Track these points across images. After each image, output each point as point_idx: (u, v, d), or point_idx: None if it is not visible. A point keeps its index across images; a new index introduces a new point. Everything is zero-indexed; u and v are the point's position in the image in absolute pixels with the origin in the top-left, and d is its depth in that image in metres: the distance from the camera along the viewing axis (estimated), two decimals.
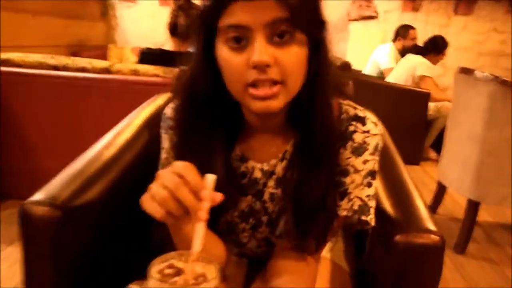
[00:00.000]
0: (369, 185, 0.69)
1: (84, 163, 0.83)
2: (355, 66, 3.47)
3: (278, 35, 0.59)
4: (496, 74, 1.93)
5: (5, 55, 2.04)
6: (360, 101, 0.76)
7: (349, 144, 0.68)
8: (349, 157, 0.68)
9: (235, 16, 0.58)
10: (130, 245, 0.89)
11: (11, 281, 1.53)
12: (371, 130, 0.69)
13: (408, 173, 0.92)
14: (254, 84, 0.60)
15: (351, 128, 0.68)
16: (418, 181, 2.89)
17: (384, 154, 0.85)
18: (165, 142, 0.76)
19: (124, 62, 3.53)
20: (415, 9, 4.53)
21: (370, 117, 0.70)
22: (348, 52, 4.40)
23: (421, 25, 4.34)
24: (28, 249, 0.70)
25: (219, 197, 0.52)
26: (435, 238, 0.68)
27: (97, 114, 2.00)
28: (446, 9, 4.49)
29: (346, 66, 2.40)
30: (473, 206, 2.01)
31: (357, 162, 0.68)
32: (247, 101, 0.62)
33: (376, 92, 3.29)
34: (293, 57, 0.60)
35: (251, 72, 0.59)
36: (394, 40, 4.01)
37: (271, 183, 0.73)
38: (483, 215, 2.32)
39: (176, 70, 1.17)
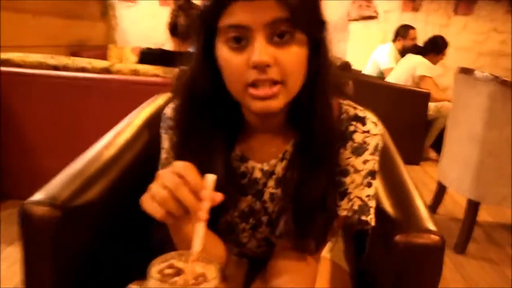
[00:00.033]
0: (369, 185, 0.69)
1: (84, 163, 0.83)
2: (355, 66, 3.47)
3: (278, 35, 0.59)
4: (496, 74, 1.93)
5: (5, 55, 2.04)
6: (360, 101, 0.76)
7: (349, 144, 0.68)
8: (349, 157, 0.68)
9: (235, 16, 0.58)
10: (130, 245, 0.89)
11: (11, 281, 1.53)
12: (371, 130, 0.69)
13: (408, 173, 0.92)
14: (254, 84, 0.60)
15: (351, 128, 0.68)
16: (418, 181, 2.89)
17: (384, 154, 0.85)
18: (165, 142, 0.76)
19: (124, 62, 3.54)
20: (415, 9, 4.53)
21: (370, 117, 0.70)
22: (348, 52, 4.40)
23: (421, 25, 4.34)
24: (28, 249, 0.70)
25: (219, 197, 0.52)
26: (435, 238, 0.68)
27: (97, 114, 2.00)
28: (446, 9, 4.49)
29: (346, 66, 2.40)
30: (473, 206, 2.01)
31: (357, 162, 0.68)
32: (247, 101, 0.62)
33: (376, 92, 3.29)
34: (293, 57, 0.60)
35: (251, 72, 0.59)
36: (394, 40, 4.01)
37: (271, 183, 0.73)
38: (483, 215, 2.33)
39: (176, 70, 1.17)
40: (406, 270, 0.70)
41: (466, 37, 4.52)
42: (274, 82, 0.60)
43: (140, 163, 0.93)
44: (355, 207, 0.69)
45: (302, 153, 0.67)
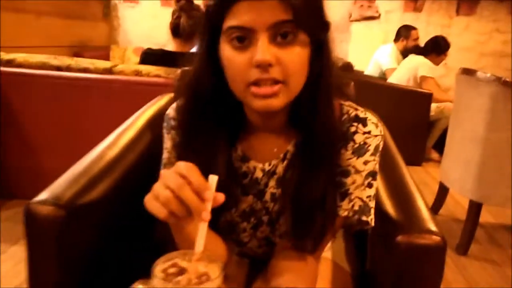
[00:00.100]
0: (370, 185, 0.70)
1: (88, 163, 0.83)
2: (357, 66, 3.47)
3: (281, 35, 0.59)
4: (498, 74, 1.93)
5: (8, 56, 2.05)
6: (362, 102, 0.76)
7: (350, 145, 0.69)
8: (350, 158, 0.69)
9: (238, 17, 0.59)
10: (134, 244, 0.89)
11: (15, 280, 1.54)
12: (372, 131, 0.69)
13: (409, 174, 0.92)
14: (256, 83, 0.60)
15: (352, 129, 0.69)
16: (420, 182, 2.89)
17: (385, 155, 0.85)
18: (167, 142, 0.76)
19: (126, 63, 3.55)
20: (417, 9, 4.52)
21: (371, 118, 0.70)
22: (350, 53, 4.40)
23: (423, 25, 4.33)
24: (33, 248, 0.70)
25: (221, 197, 0.53)
26: (436, 238, 0.68)
27: (99, 114, 2.00)
28: (448, 10, 4.48)
29: (348, 66, 2.41)
30: (475, 207, 2.00)
31: (358, 162, 0.69)
32: (248, 100, 0.63)
33: (378, 93, 3.29)
34: (296, 57, 0.61)
35: (254, 71, 0.60)
36: (396, 41, 4.00)
37: (272, 183, 0.73)
38: (485, 216, 2.32)
39: (178, 71, 1.18)
40: (407, 271, 0.70)
41: (468, 38, 4.51)
42: (276, 82, 0.60)
43: (143, 163, 0.94)
44: (356, 207, 0.69)
45: (303, 153, 0.68)
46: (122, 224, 0.87)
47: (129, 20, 4.58)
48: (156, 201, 0.52)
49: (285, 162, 0.72)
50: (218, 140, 0.69)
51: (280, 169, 0.72)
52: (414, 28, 4.00)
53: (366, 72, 4.04)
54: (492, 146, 1.93)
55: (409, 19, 4.40)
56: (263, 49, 0.58)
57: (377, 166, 0.71)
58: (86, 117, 2.04)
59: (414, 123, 3.30)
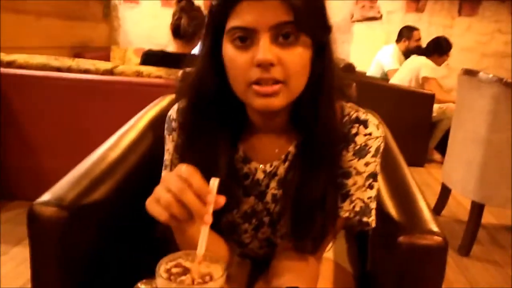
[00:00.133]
0: (371, 187, 0.70)
1: (90, 165, 0.84)
2: (359, 67, 3.48)
3: (283, 36, 0.60)
4: (500, 75, 1.93)
5: (9, 57, 2.06)
6: (364, 103, 0.76)
7: (351, 146, 0.69)
8: (351, 159, 0.69)
9: (241, 17, 0.59)
10: (135, 245, 0.90)
11: (17, 281, 1.54)
12: (373, 133, 0.69)
13: (412, 175, 0.92)
14: (258, 83, 0.61)
15: (353, 131, 0.69)
16: (423, 183, 2.89)
17: (387, 156, 0.85)
18: (169, 144, 0.76)
19: (126, 64, 3.56)
20: (419, 10, 4.52)
21: (372, 119, 0.70)
22: (351, 53, 4.40)
23: (425, 26, 4.33)
24: (36, 249, 0.71)
25: (222, 200, 0.53)
26: (438, 239, 0.68)
27: (99, 115, 2.01)
28: (450, 10, 4.48)
29: (349, 67, 2.41)
30: (477, 208, 2.00)
31: (359, 164, 0.69)
32: (249, 99, 0.63)
33: (380, 94, 3.29)
34: (297, 58, 0.61)
35: (255, 70, 0.60)
36: (398, 41, 4.01)
37: (273, 184, 0.73)
38: (488, 217, 2.31)
39: (179, 72, 1.18)
40: (409, 271, 0.70)
41: (470, 38, 4.50)
42: (277, 82, 0.61)
43: (145, 164, 0.94)
44: (357, 208, 0.69)
45: (304, 154, 0.68)
46: (124, 224, 0.87)
47: (130, 21, 4.59)
48: (157, 204, 0.52)
49: (287, 164, 0.72)
50: (220, 140, 0.69)
51: (281, 170, 0.72)
52: (416, 29, 4.00)
53: (368, 73, 4.04)
54: (494, 147, 1.92)
55: (411, 19, 4.40)
56: (264, 48, 0.58)
57: (378, 168, 0.71)
58: (86, 118, 2.05)
59: (416, 124, 3.29)
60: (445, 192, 2.38)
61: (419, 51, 3.63)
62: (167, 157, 0.77)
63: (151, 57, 2.10)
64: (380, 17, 4.56)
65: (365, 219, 0.70)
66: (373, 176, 0.70)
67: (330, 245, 0.76)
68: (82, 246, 0.75)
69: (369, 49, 4.31)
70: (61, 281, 0.72)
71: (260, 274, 0.77)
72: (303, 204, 0.66)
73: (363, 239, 0.90)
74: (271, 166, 0.73)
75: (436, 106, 3.31)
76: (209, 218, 0.51)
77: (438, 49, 3.53)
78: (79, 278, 0.75)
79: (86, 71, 2.03)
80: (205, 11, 2.16)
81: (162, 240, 0.64)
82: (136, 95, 1.88)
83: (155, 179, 0.55)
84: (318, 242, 0.68)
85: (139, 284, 0.55)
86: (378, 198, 0.76)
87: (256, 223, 0.76)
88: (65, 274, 0.72)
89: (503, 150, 1.91)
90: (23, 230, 0.71)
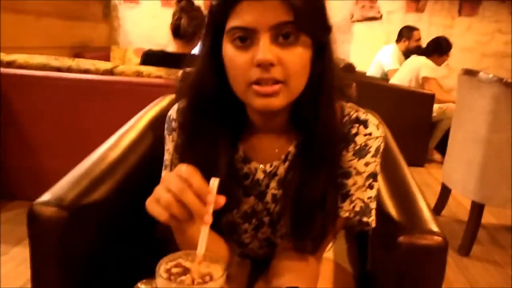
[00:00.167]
0: (371, 187, 0.70)
1: (90, 165, 0.84)
2: (359, 67, 3.48)
3: (283, 36, 0.60)
4: (500, 75, 1.93)
5: (9, 57, 2.06)
6: (364, 103, 0.76)
7: (351, 146, 0.69)
8: (351, 160, 0.69)
9: (241, 17, 0.59)
10: (135, 245, 0.90)
11: (17, 281, 1.54)
12: (373, 133, 0.69)
13: (412, 175, 0.92)
14: (257, 83, 0.61)
15: (353, 131, 0.69)
16: (423, 183, 2.89)
17: (387, 156, 0.85)
18: (169, 144, 0.76)
19: (126, 64, 3.56)
20: (419, 10, 4.52)
21: (372, 119, 0.70)
22: (351, 53, 4.41)
23: (425, 26, 4.33)
24: (36, 249, 0.71)
25: (222, 200, 0.53)
26: (438, 239, 0.68)
27: (99, 115, 2.01)
28: (450, 10, 4.48)
29: (349, 67, 2.41)
30: (477, 208, 2.00)
31: (359, 164, 0.69)
32: (249, 99, 0.63)
33: (380, 94, 3.29)
34: (297, 58, 0.61)
35: (255, 70, 0.60)
36: (398, 41, 4.01)
37: (273, 184, 0.73)
38: (488, 217, 2.32)
39: (179, 72, 1.18)
40: (409, 271, 0.70)
41: (470, 38, 4.50)
42: (276, 82, 0.61)
43: (145, 164, 0.94)
44: (357, 208, 0.70)
45: (304, 154, 0.68)
46: (124, 224, 0.87)
47: (130, 21, 4.59)
48: (157, 204, 0.52)
49: (287, 164, 0.72)
50: (220, 140, 0.69)
51: (281, 170, 0.72)
52: (416, 29, 4.00)
53: (368, 73, 4.04)
54: (494, 147, 1.92)
55: (411, 19, 4.40)
56: (264, 48, 0.58)
57: (378, 168, 0.71)
58: (86, 118, 2.05)
59: (416, 123, 3.29)
60: (445, 192, 2.38)
61: (419, 51, 3.63)
62: (167, 157, 0.77)
63: (151, 57, 2.10)
64: (380, 17, 4.56)
65: (365, 219, 0.70)
66: (373, 176, 0.70)
67: (330, 245, 0.77)
68: (82, 246, 0.75)
69: (369, 49, 4.31)
70: (61, 281, 0.72)
71: (260, 274, 0.77)
72: (303, 204, 0.66)
73: (363, 239, 0.90)
74: (271, 166, 0.73)
75: (436, 106, 3.31)
76: (209, 218, 0.51)
77: (438, 49, 3.53)
78: (79, 278, 0.75)
79: (86, 71, 2.03)
80: (205, 11, 2.16)
81: (162, 240, 0.64)
82: (136, 95, 1.88)
83: (155, 179, 0.55)
84: (318, 242, 0.68)
85: (139, 284, 0.55)
86: (378, 198, 0.76)
87: (256, 223, 0.76)
88: (65, 274, 0.72)
89: (503, 150, 1.91)
90: (23, 230, 0.71)
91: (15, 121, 2.08)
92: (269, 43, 0.59)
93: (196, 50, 2.11)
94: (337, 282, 0.78)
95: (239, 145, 0.74)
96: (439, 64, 3.56)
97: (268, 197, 0.74)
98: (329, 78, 0.66)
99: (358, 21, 4.55)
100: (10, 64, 2.04)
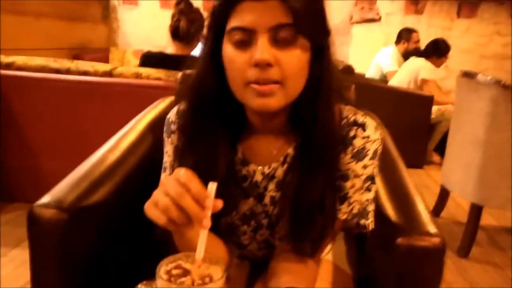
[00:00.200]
0: (369, 189, 0.70)
1: (89, 167, 0.84)
2: (358, 68, 3.47)
3: (282, 37, 0.60)
4: (500, 77, 1.93)
5: (8, 58, 2.06)
6: (362, 105, 0.76)
7: (350, 149, 0.69)
8: (349, 162, 0.69)
9: (241, 17, 0.60)
10: (134, 247, 0.90)
11: (17, 283, 1.54)
12: (371, 136, 0.69)
13: (410, 177, 0.92)
14: (255, 82, 0.61)
15: (352, 133, 0.69)
16: (422, 185, 2.89)
17: (386, 158, 0.85)
18: (168, 146, 0.76)
19: (125, 65, 3.56)
20: (418, 11, 4.53)
21: (371, 122, 0.70)
22: (350, 55, 4.41)
23: (424, 27, 4.34)
24: (36, 251, 0.71)
25: (219, 204, 0.53)
26: (436, 240, 0.69)
27: (99, 117, 2.01)
28: (449, 12, 4.49)
29: (348, 70, 2.41)
30: (476, 210, 2.00)
31: (357, 167, 0.69)
32: (246, 99, 0.64)
33: (379, 96, 3.29)
34: (295, 59, 0.61)
35: (253, 70, 0.60)
36: (397, 43, 4.01)
37: (271, 186, 0.73)
38: (487, 219, 2.32)
39: (178, 74, 1.19)
40: (407, 273, 0.71)
41: (469, 40, 4.51)
42: (274, 82, 0.61)
43: (144, 166, 0.94)
44: (355, 211, 0.70)
45: (302, 156, 0.68)
46: (123, 227, 0.87)
47: (129, 22, 4.59)
48: (156, 208, 0.52)
49: (285, 166, 0.72)
50: (220, 141, 0.69)
51: (279, 172, 0.73)
52: (415, 31, 4.01)
53: (367, 75, 4.05)
54: (492, 148, 1.93)
55: (410, 21, 4.41)
56: (262, 49, 0.59)
57: (376, 170, 0.71)
58: (85, 120, 2.05)
59: (415, 125, 3.30)
60: (444, 193, 2.38)
61: (418, 53, 3.64)
62: (166, 159, 0.77)
63: (150, 59, 2.10)
64: (379, 19, 4.57)
65: (363, 221, 0.70)
66: (371, 178, 0.70)
67: (329, 247, 0.77)
68: (81, 248, 0.75)
69: (368, 51, 4.32)
70: (61, 282, 0.72)
71: (258, 276, 0.77)
72: (302, 206, 0.66)
73: (362, 241, 0.90)
74: (269, 168, 0.73)
75: (435, 108, 3.31)
76: (207, 222, 0.51)
77: (437, 51, 3.54)
78: (78, 280, 0.75)
79: (85, 73, 2.03)
80: (204, 11, 2.17)
81: (161, 242, 0.64)
82: (135, 97, 1.88)
83: (155, 181, 0.55)
84: (316, 244, 0.69)
85: (139, 285, 0.55)
86: (377, 200, 0.77)
87: (254, 225, 0.76)
88: (65, 276, 0.72)
89: (502, 151, 1.91)
90: (22, 232, 0.72)
91: (15, 122, 2.08)
92: (267, 43, 0.59)
93: (195, 52, 2.11)
94: (336, 284, 0.78)
95: (238, 147, 0.74)
96: (438, 66, 3.57)
97: (267, 199, 0.74)
98: (327, 81, 0.66)
99: (357, 22, 4.56)
100: (9, 66, 2.04)
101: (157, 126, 0.91)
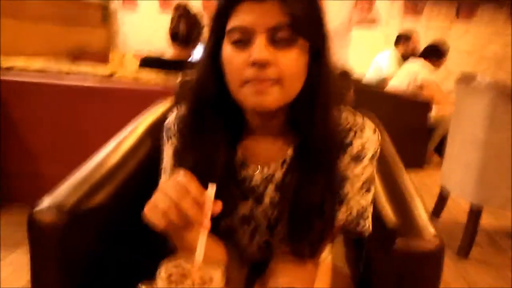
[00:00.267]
0: (367, 192, 0.70)
1: (89, 170, 0.84)
2: (357, 70, 3.48)
3: (280, 38, 0.61)
4: (499, 77, 1.95)
5: (8, 62, 2.06)
6: (361, 106, 0.77)
7: (348, 151, 0.69)
8: (348, 164, 0.69)
9: (240, 17, 0.61)
10: (134, 249, 0.90)
11: (16, 284, 1.54)
12: (370, 138, 0.70)
13: (410, 178, 0.92)
14: (253, 82, 0.61)
15: (350, 135, 0.69)
16: (422, 185, 2.89)
17: (384, 159, 0.86)
18: (167, 149, 0.77)
19: (125, 68, 3.56)
20: (417, 13, 4.54)
21: (369, 124, 0.71)
22: (350, 57, 4.42)
23: (422, 29, 4.35)
24: (36, 254, 0.71)
25: (218, 206, 0.53)
26: (434, 242, 0.69)
27: (98, 121, 2.01)
28: (448, 13, 4.50)
29: (345, 75, 2.42)
30: (475, 210, 2.01)
31: (355, 169, 0.69)
32: (243, 98, 0.64)
33: (376, 101, 3.29)
34: (292, 60, 0.62)
35: (251, 69, 0.61)
36: (396, 45, 4.02)
37: (271, 187, 0.74)
38: (487, 219, 2.32)
39: (178, 78, 1.19)
40: (406, 274, 0.71)
41: (468, 41, 4.52)
42: (271, 82, 0.61)
43: (144, 169, 0.95)
44: (353, 213, 0.70)
45: (301, 158, 0.68)
46: (122, 229, 0.88)
47: (128, 25, 4.60)
48: (155, 211, 0.52)
49: (284, 167, 0.72)
50: (219, 143, 0.70)
51: (279, 174, 0.73)
52: (414, 32, 4.01)
53: (367, 76, 4.05)
54: (492, 148, 1.93)
55: (409, 22, 4.41)
56: (260, 48, 0.59)
57: (374, 172, 0.71)
58: (85, 123, 2.05)
59: (415, 126, 3.31)
60: (444, 194, 2.38)
61: (417, 54, 3.64)
62: (165, 162, 0.78)
63: (149, 63, 2.11)
64: (378, 21, 4.57)
65: (361, 223, 0.70)
66: (369, 181, 0.70)
67: (328, 248, 0.77)
68: (81, 251, 0.75)
69: (367, 52, 4.33)
70: (61, 283, 0.72)
71: (257, 277, 0.77)
72: (301, 207, 0.66)
73: (360, 242, 0.90)
74: (268, 169, 0.73)
75: (435, 108, 3.32)
76: (207, 223, 0.52)
77: (436, 52, 3.55)
78: (78, 282, 0.75)
79: (85, 77, 2.04)
80: (204, 11, 2.17)
81: (160, 243, 0.65)
82: (134, 101, 1.88)
83: (154, 184, 0.56)
84: (315, 246, 0.69)
85: (140, 285, 0.56)
86: (376, 201, 0.77)
87: (254, 226, 0.76)
88: (65, 278, 0.72)
89: (502, 151, 1.91)
90: (22, 234, 0.72)
91: (14, 126, 2.08)
92: (265, 43, 0.60)
93: (194, 55, 2.12)
94: (335, 285, 0.78)
95: (237, 148, 0.74)
96: (437, 67, 3.57)
97: (266, 201, 0.74)
98: (325, 83, 0.67)
99: (356, 24, 4.56)
100: (9, 69, 2.04)
101: (156, 129, 0.91)
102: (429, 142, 3.43)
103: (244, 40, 0.61)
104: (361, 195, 0.70)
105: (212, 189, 0.52)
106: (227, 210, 0.60)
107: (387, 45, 4.24)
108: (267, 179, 0.74)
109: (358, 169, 0.69)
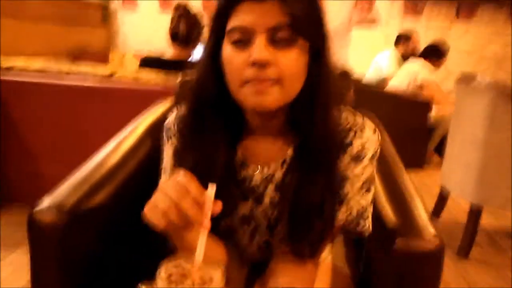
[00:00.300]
0: (367, 192, 0.71)
1: (89, 170, 0.85)
2: (357, 70, 3.48)
3: (280, 38, 0.61)
4: (499, 77, 1.95)
5: (8, 62, 2.06)
6: (362, 106, 0.77)
7: (348, 151, 0.69)
8: (348, 164, 0.69)
9: (240, 17, 0.61)
10: (134, 248, 0.90)
11: (16, 284, 1.54)
12: (369, 138, 0.70)
13: (410, 178, 0.92)
14: (252, 81, 0.61)
15: (350, 136, 0.69)
16: (422, 185, 2.89)
17: (384, 159, 0.86)
18: (167, 149, 0.77)
19: (125, 68, 3.56)
20: (417, 12, 4.54)
21: (369, 124, 0.71)
22: (350, 57, 4.42)
23: (423, 29, 4.35)
24: (36, 254, 0.72)
25: (218, 206, 0.53)
26: (434, 242, 0.69)
27: (98, 121, 2.01)
28: (448, 13, 4.50)
29: (345, 75, 2.42)
30: (475, 210, 2.01)
31: (355, 169, 0.69)
32: (244, 97, 0.64)
33: (376, 101, 3.29)
34: (292, 60, 0.62)
35: (250, 69, 0.61)
36: (396, 45, 4.02)
37: (271, 187, 0.74)
38: (487, 219, 2.32)
39: (178, 79, 1.19)
40: (406, 274, 0.71)
41: (468, 41, 4.52)
42: (271, 82, 0.61)
43: (144, 169, 0.95)
44: (353, 213, 0.70)
45: (301, 158, 0.68)
46: (122, 229, 0.88)
47: (128, 25, 4.60)
48: (156, 211, 0.53)
49: (284, 167, 0.72)
50: (219, 143, 0.70)
51: (279, 174, 0.73)
52: (414, 32, 4.01)
53: (367, 76, 4.05)
54: (492, 148, 1.93)
55: (409, 23, 4.42)
56: (260, 48, 0.59)
57: (374, 172, 0.71)
58: (85, 123, 2.05)
59: (415, 125, 3.31)
60: (444, 194, 2.38)
61: (417, 54, 3.64)
62: (165, 162, 0.78)
63: (148, 64, 2.11)
64: (378, 21, 4.58)
65: (361, 223, 0.71)
66: (369, 181, 0.70)
67: (328, 248, 0.77)
68: (81, 250, 0.75)
69: (367, 52, 4.33)
70: (61, 283, 0.72)
71: (257, 277, 0.77)
72: (301, 207, 0.66)
73: (360, 242, 0.90)
74: (268, 169, 0.74)
75: (435, 108, 3.32)
76: (207, 223, 0.52)
77: (436, 52, 3.55)
78: (78, 282, 0.75)
79: (85, 77, 2.04)
80: (204, 11, 2.18)
81: (160, 243, 0.65)
82: (134, 101, 1.88)
83: (154, 184, 0.56)
84: (315, 246, 0.69)
85: (140, 285, 0.56)
86: (376, 201, 0.77)
87: (254, 226, 0.76)
88: (65, 278, 0.72)
89: (502, 151, 1.91)
90: (23, 234, 0.72)
91: (14, 126, 2.08)
92: (265, 43, 0.60)
93: (194, 55, 2.12)
94: (335, 284, 0.78)
95: (238, 148, 0.74)
96: (437, 67, 3.57)
97: (266, 201, 0.74)
98: (325, 83, 0.67)
99: (356, 24, 4.57)
100: (9, 69, 2.05)
101: (156, 129, 0.91)
102: (429, 142, 3.43)
103: (244, 40, 0.61)
104: (361, 195, 0.70)
105: (212, 189, 0.52)
106: (227, 210, 0.60)
107: (387, 45, 4.24)
108: (267, 179, 0.74)
109: (358, 169, 0.69)
